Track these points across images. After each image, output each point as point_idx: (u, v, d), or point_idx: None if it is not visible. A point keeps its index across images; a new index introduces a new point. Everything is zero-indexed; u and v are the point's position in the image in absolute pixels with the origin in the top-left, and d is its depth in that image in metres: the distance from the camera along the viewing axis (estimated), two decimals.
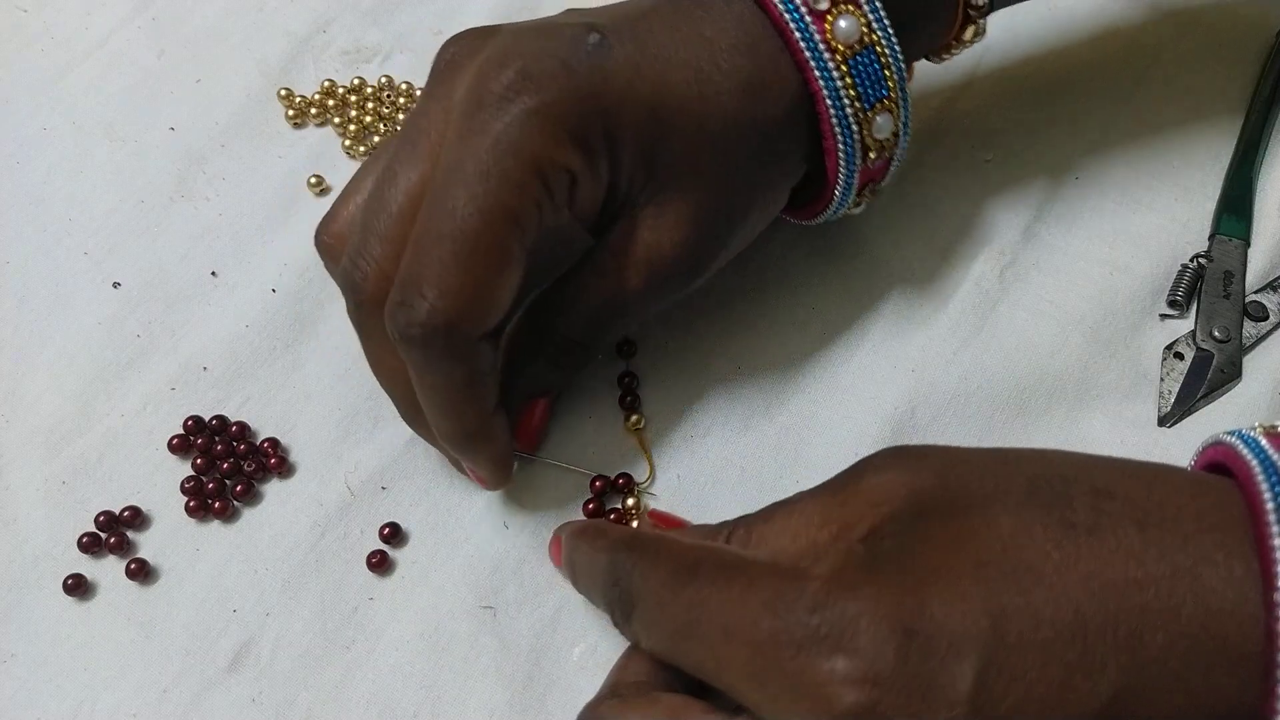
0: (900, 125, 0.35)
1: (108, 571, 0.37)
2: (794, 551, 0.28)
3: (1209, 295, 0.41)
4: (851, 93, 0.34)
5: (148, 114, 0.46)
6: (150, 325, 0.41)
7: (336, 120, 0.46)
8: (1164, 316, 0.41)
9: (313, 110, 0.46)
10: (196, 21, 0.49)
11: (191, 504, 0.37)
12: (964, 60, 0.47)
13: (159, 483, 0.38)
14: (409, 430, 0.38)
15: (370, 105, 0.46)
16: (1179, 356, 0.40)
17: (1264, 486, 0.25)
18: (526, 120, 0.30)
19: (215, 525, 0.38)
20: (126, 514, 0.37)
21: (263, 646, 0.36)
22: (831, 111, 0.34)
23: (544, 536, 0.37)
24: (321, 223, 0.34)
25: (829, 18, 0.33)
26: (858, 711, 0.23)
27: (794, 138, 0.35)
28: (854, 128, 0.34)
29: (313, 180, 0.44)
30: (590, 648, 0.35)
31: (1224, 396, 0.39)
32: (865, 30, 0.33)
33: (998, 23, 0.49)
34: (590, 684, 0.32)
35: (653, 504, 0.38)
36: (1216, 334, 0.40)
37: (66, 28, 0.49)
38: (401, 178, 0.31)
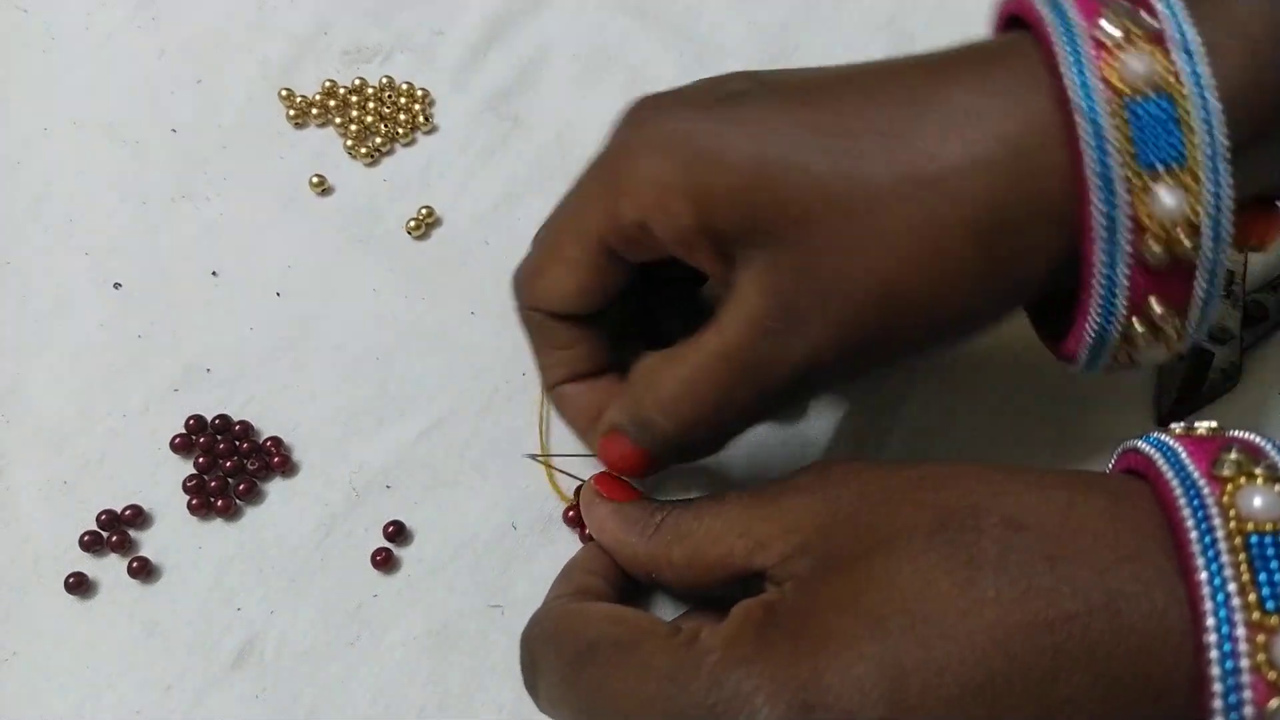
0: (1191, 205, 0.26)
1: (110, 570, 0.37)
2: (712, 557, 0.29)
3: None
4: (1123, 142, 0.26)
5: (148, 114, 0.46)
6: (152, 326, 0.41)
7: (338, 120, 0.46)
8: None
9: (314, 110, 0.46)
10: (197, 21, 0.49)
11: (194, 502, 0.37)
12: None
13: (161, 482, 0.38)
14: (414, 429, 0.39)
15: (372, 105, 0.46)
16: (1179, 356, 0.40)
17: (1186, 513, 0.24)
18: (622, 153, 0.30)
19: (218, 524, 0.38)
20: (128, 513, 0.37)
21: (266, 644, 0.36)
22: (1093, 174, 0.26)
23: (553, 535, 0.37)
24: None
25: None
26: None
27: (987, 195, 0.27)
28: (1124, 198, 0.26)
29: (314, 180, 0.44)
30: None
31: (1224, 396, 0.39)
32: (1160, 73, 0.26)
33: None
34: None
35: None
36: (1216, 334, 0.40)
37: (66, 28, 0.48)
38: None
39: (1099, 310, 0.28)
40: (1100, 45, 0.27)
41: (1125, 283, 0.27)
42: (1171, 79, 0.26)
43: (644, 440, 0.32)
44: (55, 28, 0.49)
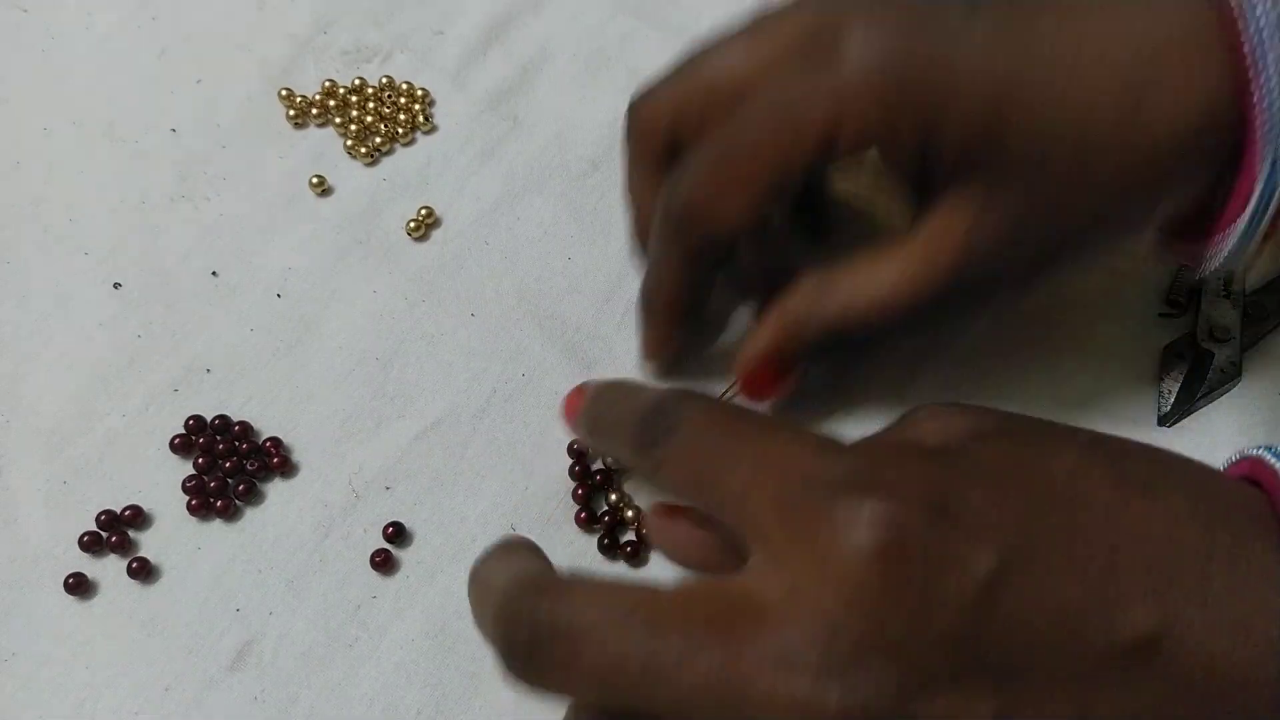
0: None
1: (109, 570, 0.37)
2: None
3: (1209, 295, 0.41)
4: None
5: (148, 114, 0.46)
6: (151, 326, 0.41)
7: (338, 120, 0.46)
8: (1164, 316, 0.41)
9: (314, 110, 0.46)
10: (197, 21, 0.49)
11: (193, 503, 0.37)
12: None
13: (161, 482, 0.38)
14: (413, 430, 0.39)
15: (371, 105, 0.46)
16: (1179, 356, 0.40)
17: None
18: (838, 88, 0.30)
19: (217, 524, 0.38)
20: (128, 513, 0.37)
21: (265, 645, 0.36)
22: (1265, 133, 0.29)
23: (552, 537, 0.37)
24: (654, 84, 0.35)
25: None
26: (875, 552, 0.22)
27: (1183, 165, 0.30)
28: None
29: (314, 180, 0.44)
30: None
31: (1224, 396, 0.39)
32: None
33: None
34: None
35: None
36: (1216, 334, 0.40)
37: (66, 28, 0.49)
38: (730, 63, 0.33)
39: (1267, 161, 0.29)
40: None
41: None
42: None
43: (807, 346, 0.34)
44: (55, 28, 0.49)
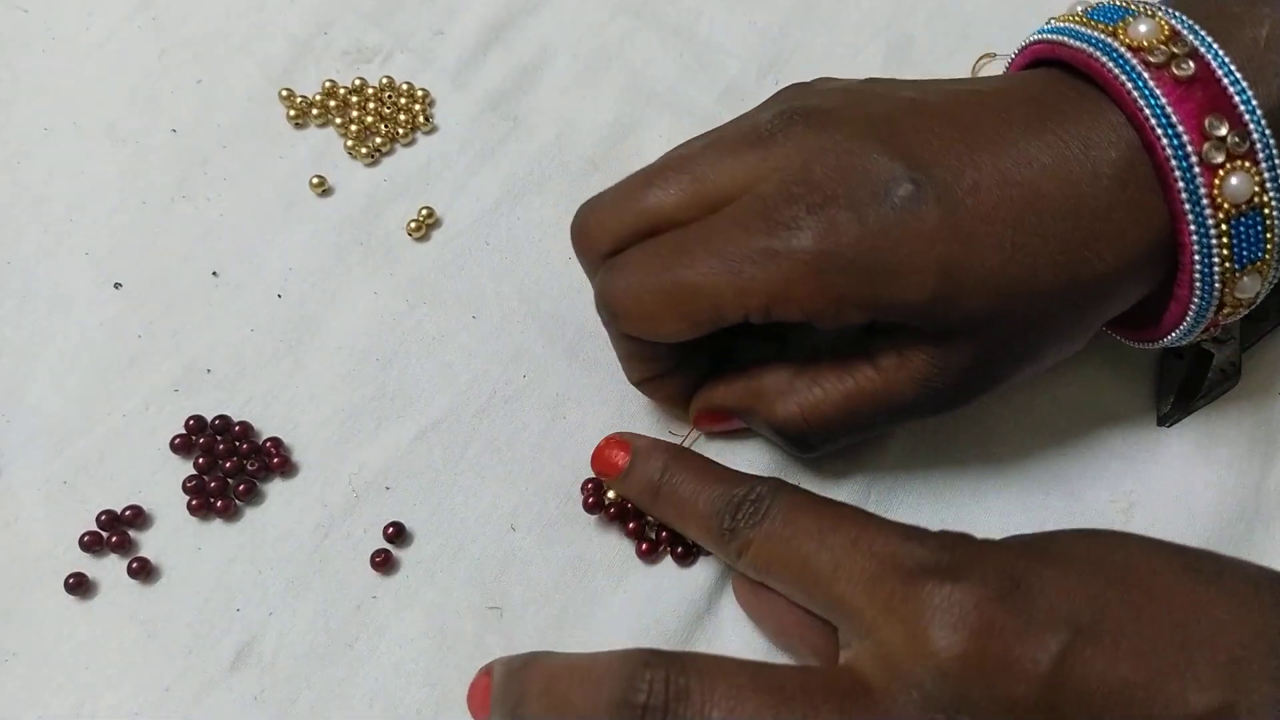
0: (1266, 285, 0.32)
1: (109, 570, 0.37)
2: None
3: None
4: (1225, 252, 0.30)
5: (149, 114, 0.46)
6: (151, 326, 0.41)
7: (338, 121, 0.46)
8: None
9: (314, 111, 0.46)
10: (197, 21, 0.49)
11: (194, 503, 0.37)
12: (966, 64, 0.48)
13: (161, 482, 0.38)
14: (414, 431, 0.39)
15: (372, 106, 0.46)
16: (1179, 356, 0.40)
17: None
18: (788, 259, 0.30)
19: (218, 524, 0.38)
20: (128, 513, 0.37)
21: (265, 645, 0.36)
22: (1198, 273, 0.31)
23: (551, 538, 0.37)
24: (595, 199, 0.35)
25: (1221, 173, 0.30)
26: (958, 630, 0.26)
27: (1126, 291, 0.32)
28: (1216, 288, 0.31)
29: (315, 181, 0.44)
30: (596, 649, 0.35)
31: (1224, 396, 0.39)
32: (1257, 191, 0.30)
33: (1000, 28, 0.49)
34: None
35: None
36: (1217, 334, 0.40)
37: (66, 28, 0.49)
38: (671, 192, 0.33)
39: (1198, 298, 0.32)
40: (1208, 169, 0.30)
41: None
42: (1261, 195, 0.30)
43: (756, 426, 0.36)
44: (55, 28, 0.49)
